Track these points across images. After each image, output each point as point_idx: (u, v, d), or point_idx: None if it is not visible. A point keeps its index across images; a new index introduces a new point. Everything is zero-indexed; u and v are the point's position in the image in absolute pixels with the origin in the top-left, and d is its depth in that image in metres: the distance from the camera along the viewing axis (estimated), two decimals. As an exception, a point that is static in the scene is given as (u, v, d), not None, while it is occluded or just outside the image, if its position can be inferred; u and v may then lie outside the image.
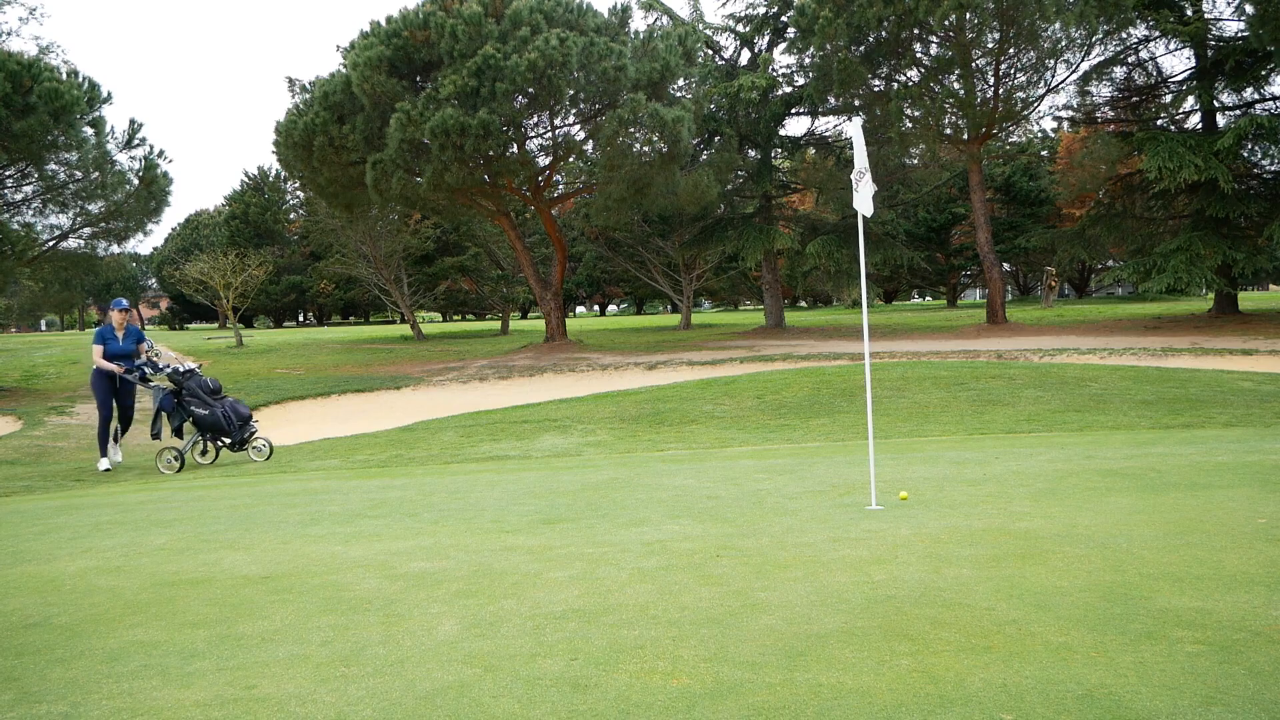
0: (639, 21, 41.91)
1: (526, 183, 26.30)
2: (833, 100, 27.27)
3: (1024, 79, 25.41)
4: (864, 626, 3.59)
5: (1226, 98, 25.19)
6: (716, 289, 55.97)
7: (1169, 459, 7.36)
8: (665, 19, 28.90)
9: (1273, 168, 25.09)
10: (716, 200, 28.78)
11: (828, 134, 32.09)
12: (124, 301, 11.55)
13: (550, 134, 25.84)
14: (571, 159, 28.21)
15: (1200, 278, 22.80)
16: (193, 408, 10.97)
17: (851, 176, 6.18)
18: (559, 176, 30.64)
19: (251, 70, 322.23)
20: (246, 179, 65.75)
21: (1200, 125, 25.42)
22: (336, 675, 3.29)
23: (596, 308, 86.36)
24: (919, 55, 25.43)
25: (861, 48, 24.79)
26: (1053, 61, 24.78)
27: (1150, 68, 26.85)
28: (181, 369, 11.21)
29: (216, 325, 63.40)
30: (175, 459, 11.01)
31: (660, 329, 38.90)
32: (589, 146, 26.64)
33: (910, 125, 26.38)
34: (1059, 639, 3.41)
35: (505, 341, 32.49)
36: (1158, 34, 25.05)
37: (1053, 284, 39.18)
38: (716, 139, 29.43)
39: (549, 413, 13.21)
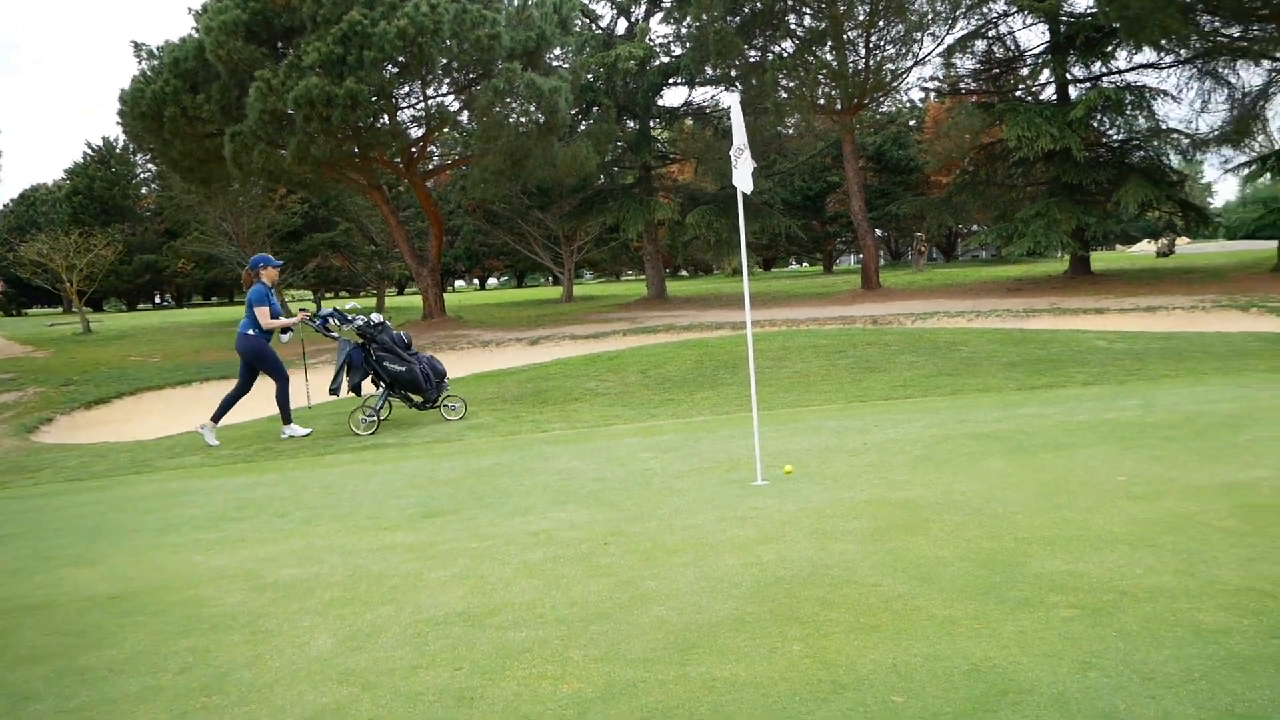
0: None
1: (399, 155, 25.58)
2: (710, 71, 27.33)
3: (893, 51, 25.95)
4: (755, 612, 3.55)
5: (1078, 71, 26.25)
6: (598, 260, 55.84)
7: (1035, 420, 7.61)
8: (539, -14, 28.41)
9: (1119, 137, 26.31)
10: (596, 171, 28.61)
11: (705, 105, 32.21)
12: (273, 258, 10.73)
13: (423, 105, 25.17)
14: (446, 130, 27.55)
15: (1057, 241, 23.82)
16: (386, 364, 10.29)
17: (730, 153, 6.14)
18: (433, 148, 29.92)
19: (92, 33, 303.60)
20: (90, 151, 61.72)
21: (1055, 97, 26.42)
22: (196, 707, 3.06)
23: (476, 281, 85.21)
24: (793, 27, 25.71)
25: (737, 18, 24.88)
26: (919, 34, 25.36)
27: (1009, 42, 27.72)
28: (373, 321, 10.45)
29: (60, 310, 59.81)
30: (371, 417, 10.26)
31: (542, 302, 38.59)
32: (464, 117, 26.06)
33: (785, 96, 26.65)
34: (943, 612, 3.44)
35: (382, 319, 31.59)
36: (1015, 9, 25.86)
37: (922, 249, 40.44)
38: (594, 109, 29.19)
39: (428, 394, 12.88)
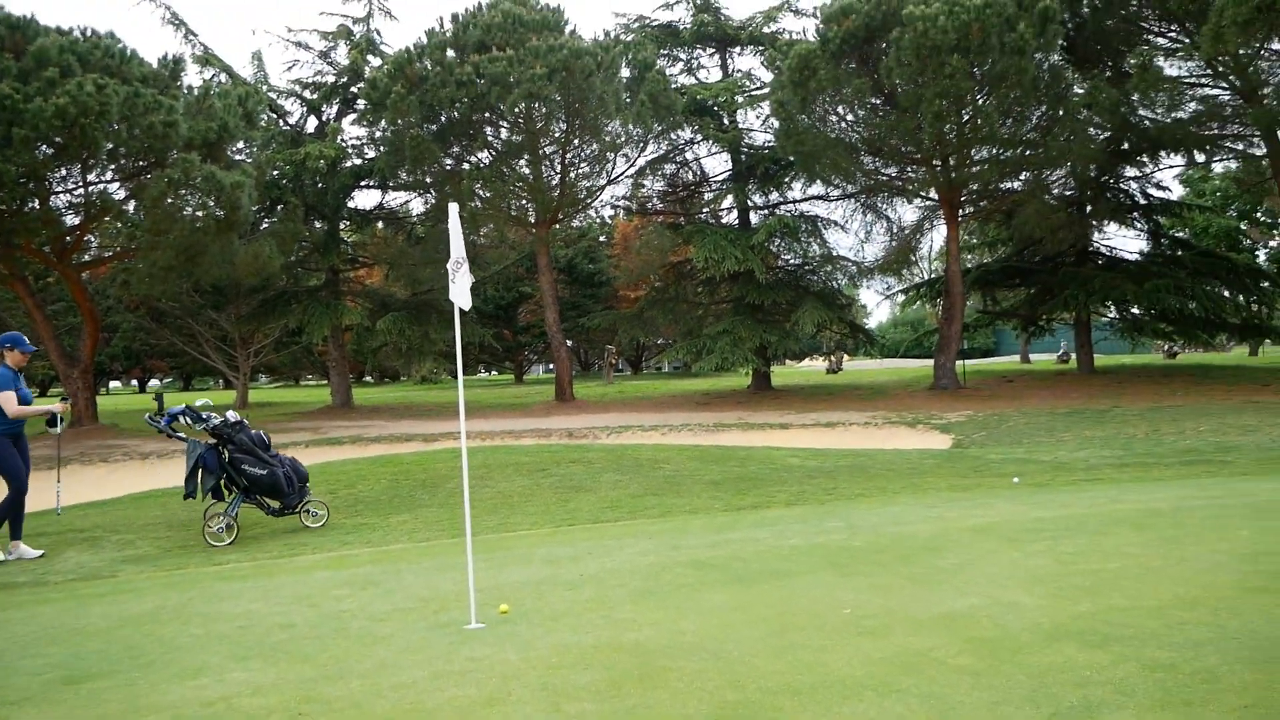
0: (193, 76, 38.91)
1: (49, 243, 22.81)
2: (405, 176, 26.87)
3: (587, 169, 26.82)
4: (491, 810, 3.01)
5: (758, 198, 28.51)
6: (276, 364, 52.62)
7: (748, 545, 7.60)
8: (223, 76, 26.88)
9: (795, 261, 28.71)
10: (279, 272, 27.04)
11: (399, 209, 31.59)
12: (28, 341, 8.81)
13: (83, 190, 22.69)
14: (109, 220, 24.98)
15: (742, 358, 25.28)
16: (245, 467, 9.48)
17: (448, 266, 5.70)
18: (92, 238, 27.00)
19: None
20: None
21: (737, 221, 28.44)
22: None
23: (135, 383, 77.63)
24: (491, 139, 25.91)
25: (434, 126, 24.73)
26: (613, 155, 26.43)
27: (695, 168, 29.70)
28: (229, 420, 9.68)
29: None
30: (231, 526, 9.42)
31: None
32: (131, 207, 23.77)
33: (481, 206, 26.69)
34: (702, 790, 3.08)
35: (19, 426, 27.61)
36: (700, 138, 27.75)
37: (613, 361, 41.61)
38: (280, 207, 27.72)
39: (72, 520, 11.07)
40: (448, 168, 26.24)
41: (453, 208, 5.81)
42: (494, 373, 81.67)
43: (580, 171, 26.93)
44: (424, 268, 29.20)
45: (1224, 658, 4.11)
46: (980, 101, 21.43)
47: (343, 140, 28.51)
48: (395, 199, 31.47)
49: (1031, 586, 5.57)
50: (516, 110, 23.44)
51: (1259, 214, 41.58)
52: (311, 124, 29.92)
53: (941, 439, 17.07)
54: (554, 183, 26.53)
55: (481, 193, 26.40)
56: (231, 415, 9.87)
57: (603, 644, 4.92)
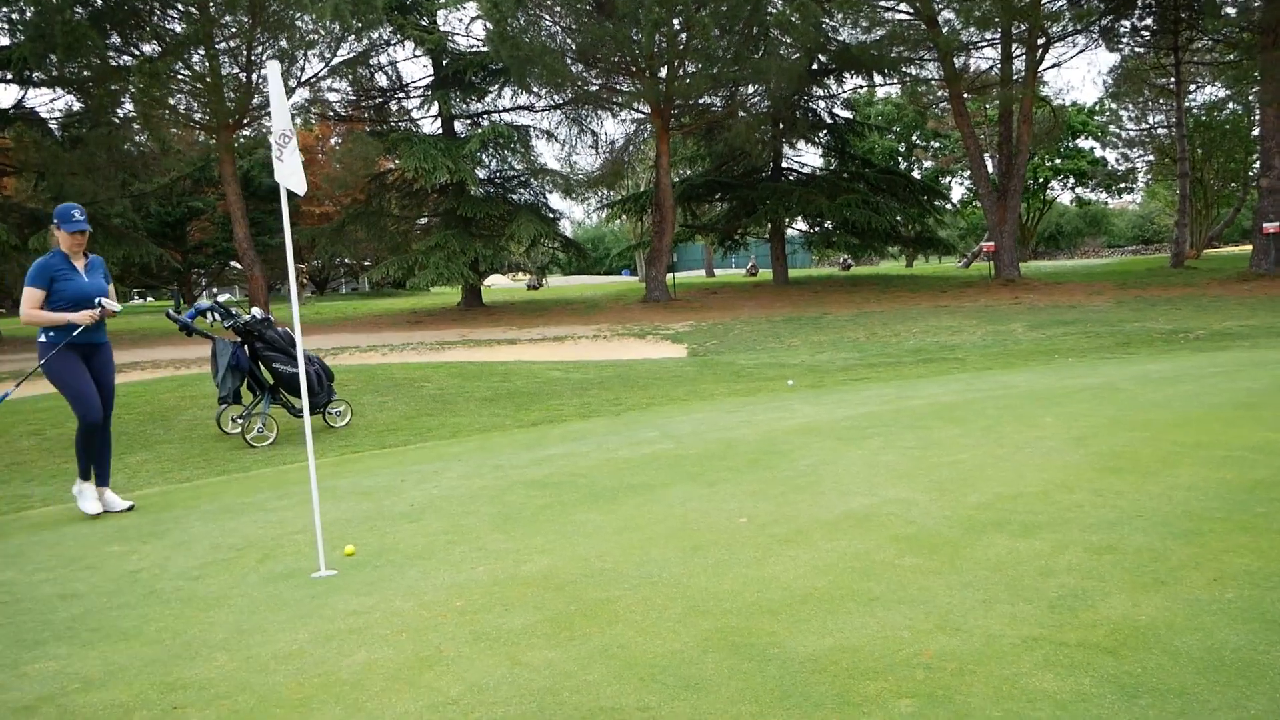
0: None
1: None
2: (54, 70, 22.82)
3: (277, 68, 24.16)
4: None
5: (465, 106, 27.12)
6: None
7: (578, 460, 7.13)
8: None
9: (507, 172, 27.74)
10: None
11: (44, 109, 27.06)
12: (79, 213, 6.14)
13: None
14: None
15: (457, 273, 24.23)
16: (277, 365, 9.21)
17: (273, 139, 4.63)
18: None
19: None
20: None
21: (441, 130, 26.97)
22: None
23: None
24: (160, 28, 22.61)
25: (88, 10, 21.15)
26: (304, 54, 24.02)
27: (391, 72, 27.70)
28: (258, 315, 9.29)
29: None
30: (271, 424, 9.17)
31: None
32: None
33: (153, 108, 23.38)
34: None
35: None
36: (399, 39, 25.88)
37: (304, 281, 38.76)
38: (-116, 100, 22.85)
39: None
40: (110, 60, 22.66)
41: (273, 67, 4.70)
42: (150, 299, 74.12)
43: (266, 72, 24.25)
44: (83, 177, 25.30)
45: (1149, 536, 4.21)
46: (695, 13, 21.48)
47: (-34, 22, 23.79)
48: (42, 97, 26.94)
49: (907, 482, 5.51)
50: (192, -6, 20.60)
51: (915, 137, 46.04)
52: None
53: (676, 348, 17.25)
54: (241, 82, 23.76)
55: (153, 92, 23.08)
56: (257, 312, 9.43)
57: (504, 578, 4.31)
